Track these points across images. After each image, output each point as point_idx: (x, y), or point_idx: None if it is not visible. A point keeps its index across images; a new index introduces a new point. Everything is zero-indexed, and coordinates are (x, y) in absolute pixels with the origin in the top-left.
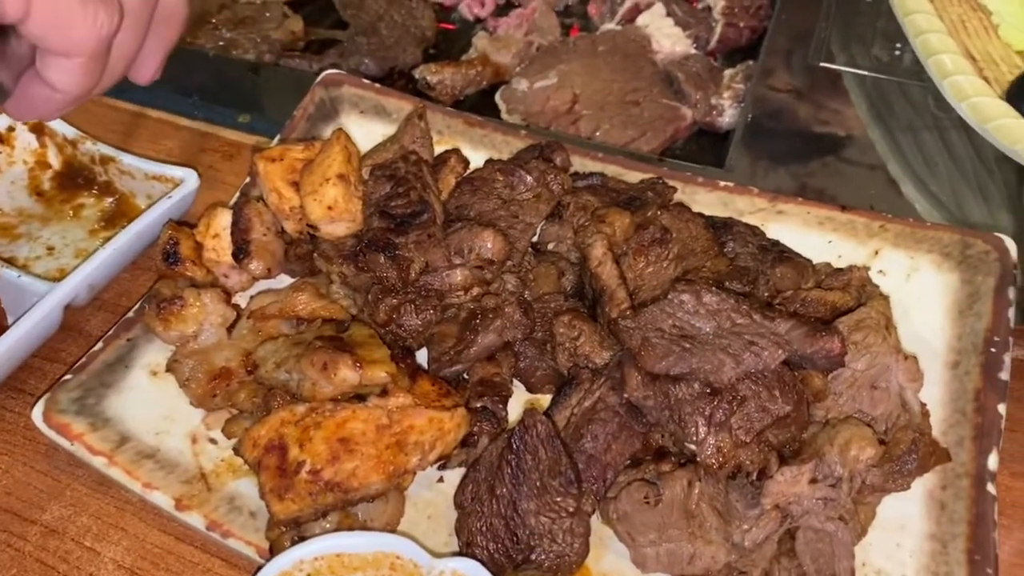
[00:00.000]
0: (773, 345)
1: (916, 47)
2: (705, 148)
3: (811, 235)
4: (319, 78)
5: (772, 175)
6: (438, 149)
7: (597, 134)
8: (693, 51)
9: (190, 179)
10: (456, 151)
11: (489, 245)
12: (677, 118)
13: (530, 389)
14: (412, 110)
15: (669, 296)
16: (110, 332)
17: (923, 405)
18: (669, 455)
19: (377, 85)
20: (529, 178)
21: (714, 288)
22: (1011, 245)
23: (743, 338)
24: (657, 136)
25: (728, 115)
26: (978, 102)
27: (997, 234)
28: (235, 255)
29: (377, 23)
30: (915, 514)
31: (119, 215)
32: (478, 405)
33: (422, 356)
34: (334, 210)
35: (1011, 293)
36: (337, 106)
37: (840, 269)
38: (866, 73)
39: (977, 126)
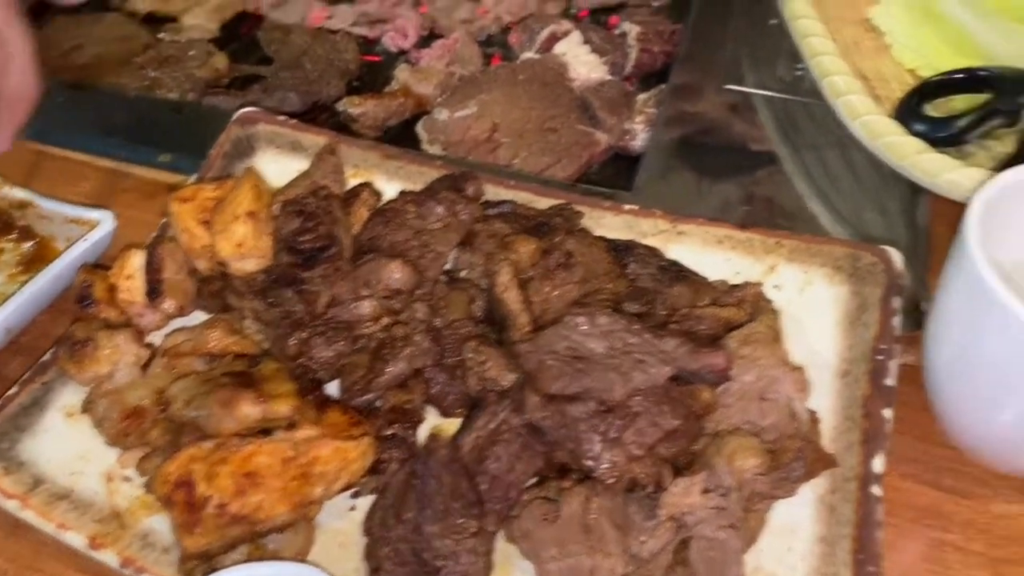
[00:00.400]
0: (660, 362)
1: (812, 69)
2: (620, 172)
3: (711, 254)
4: (234, 116)
5: (676, 194)
6: (354, 182)
7: (516, 161)
8: (608, 77)
9: (106, 221)
10: (368, 184)
11: (396, 275)
12: (592, 143)
13: (443, 413)
14: (324, 145)
15: (565, 319)
16: (25, 375)
17: (812, 413)
18: (570, 472)
19: (293, 121)
20: (439, 208)
21: (608, 310)
22: (896, 256)
23: (633, 356)
24: (573, 162)
25: (640, 139)
26: (868, 120)
27: (883, 247)
28: (148, 295)
29: (301, 58)
30: (806, 518)
31: (38, 259)
32: (388, 432)
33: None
34: (243, 247)
35: (896, 302)
36: (254, 143)
37: (736, 285)
38: (772, 94)
39: (868, 144)
